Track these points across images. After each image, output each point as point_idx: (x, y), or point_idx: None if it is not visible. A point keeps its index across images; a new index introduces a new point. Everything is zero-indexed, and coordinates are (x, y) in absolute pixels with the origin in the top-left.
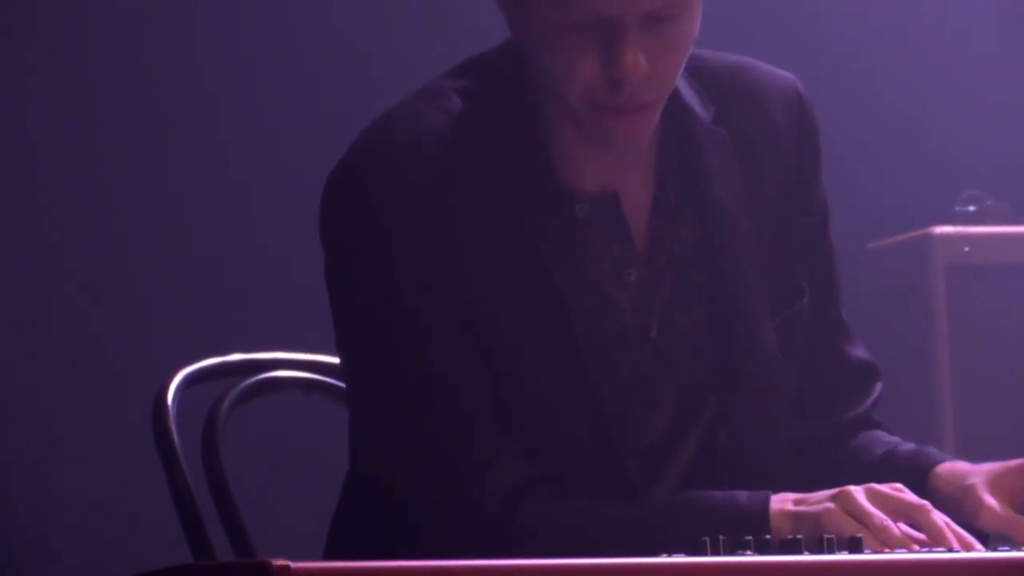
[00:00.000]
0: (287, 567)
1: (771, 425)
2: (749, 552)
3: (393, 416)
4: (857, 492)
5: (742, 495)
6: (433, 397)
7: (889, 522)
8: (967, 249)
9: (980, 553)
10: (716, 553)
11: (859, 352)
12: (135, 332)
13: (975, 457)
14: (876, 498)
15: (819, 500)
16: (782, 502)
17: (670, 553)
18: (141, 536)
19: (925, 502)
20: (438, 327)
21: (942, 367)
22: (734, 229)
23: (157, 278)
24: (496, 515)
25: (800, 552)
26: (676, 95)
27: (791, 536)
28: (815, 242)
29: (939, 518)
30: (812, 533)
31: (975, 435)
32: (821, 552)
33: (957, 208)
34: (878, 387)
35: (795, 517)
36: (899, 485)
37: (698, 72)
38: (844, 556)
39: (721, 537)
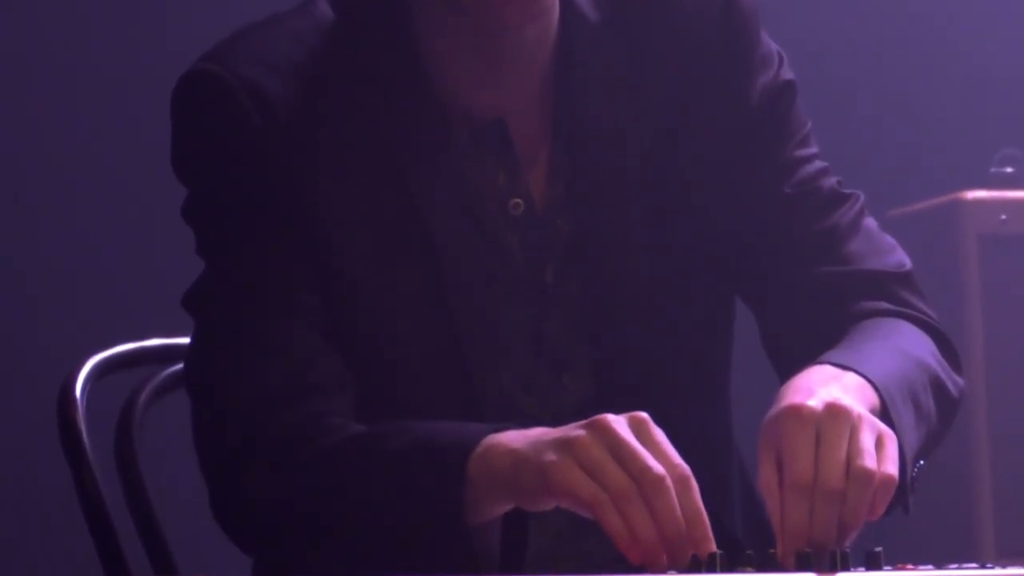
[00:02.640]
0: None
1: (654, 398)
2: (750, 570)
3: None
4: (605, 432)
5: (472, 427)
6: (253, 324)
7: (621, 494)
8: (1003, 217)
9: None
10: (712, 570)
11: (839, 266)
12: (37, 314)
13: (1012, 445)
14: (623, 452)
15: (557, 439)
16: (515, 438)
17: (663, 572)
18: (45, 549)
19: (662, 474)
20: (273, 248)
21: (975, 348)
22: (608, 159)
23: (62, 252)
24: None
25: (809, 569)
26: None
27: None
28: (753, 148)
29: (668, 505)
30: (539, 490)
31: (1012, 423)
32: (834, 570)
33: (992, 170)
34: (864, 306)
35: (514, 458)
36: (660, 436)
37: None
38: (860, 574)
39: (719, 552)
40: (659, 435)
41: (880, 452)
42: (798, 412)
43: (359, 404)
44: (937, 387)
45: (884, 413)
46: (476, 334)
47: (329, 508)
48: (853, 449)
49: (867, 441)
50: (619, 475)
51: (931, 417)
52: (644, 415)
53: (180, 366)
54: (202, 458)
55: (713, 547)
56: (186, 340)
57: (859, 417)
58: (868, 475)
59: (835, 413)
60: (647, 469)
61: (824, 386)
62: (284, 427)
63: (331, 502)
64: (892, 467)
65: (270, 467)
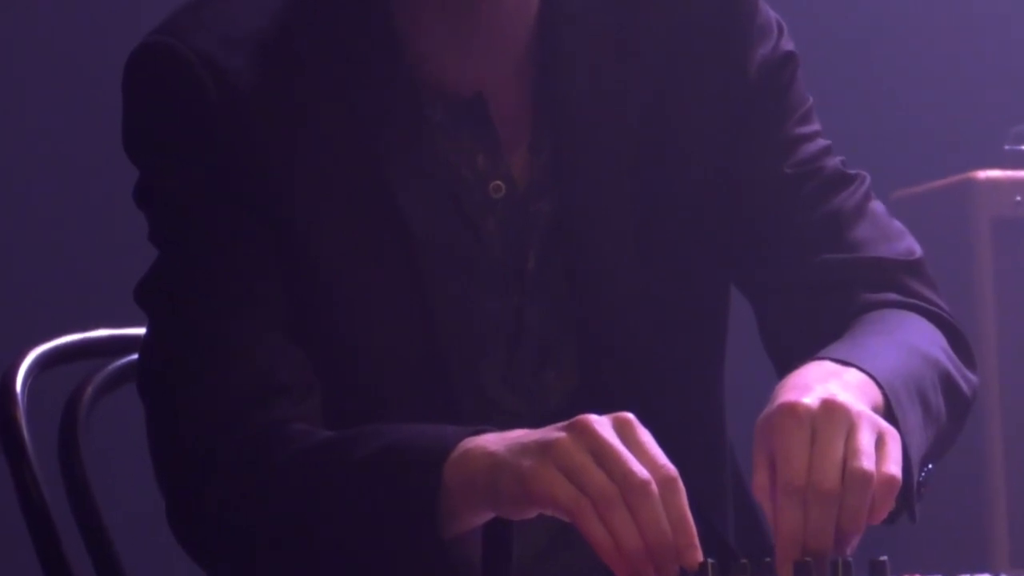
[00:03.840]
0: None
1: (642, 394)
2: None
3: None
4: (586, 433)
5: (447, 430)
6: (212, 321)
7: (604, 500)
8: (1018, 198)
9: None
10: None
11: (843, 253)
12: None
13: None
14: (606, 454)
15: (536, 441)
16: (493, 441)
17: None
18: None
19: (647, 478)
20: (235, 235)
21: (988, 340)
22: (594, 137)
23: (1, 237)
24: (242, 451)
25: None
26: None
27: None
28: (751, 125)
29: (653, 512)
30: (518, 497)
31: None
32: None
33: (1006, 147)
34: (866, 297)
35: (492, 463)
36: (646, 437)
37: None
38: None
39: (711, 562)
40: (644, 436)
41: (881, 452)
42: (792, 410)
43: (328, 404)
44: (948, 385)
45: (888, 412)
46: (453, 326)
47: (295, 521)
48: (850, 449)
49: (865, 440)
50: (601, 479)
51: (941, 417)
52: (629, 415)
53: (129, 359)
54: (158, 467)
55: (699, 556)
56: (136, 331)
57: (858, 415)
58: (865, 476)
59: (831, 411)
60: (630, 473)
61: (822, 383)
62: (247, 434)
63: (297, 515)
64: (894, 468)
65: (232, 478)
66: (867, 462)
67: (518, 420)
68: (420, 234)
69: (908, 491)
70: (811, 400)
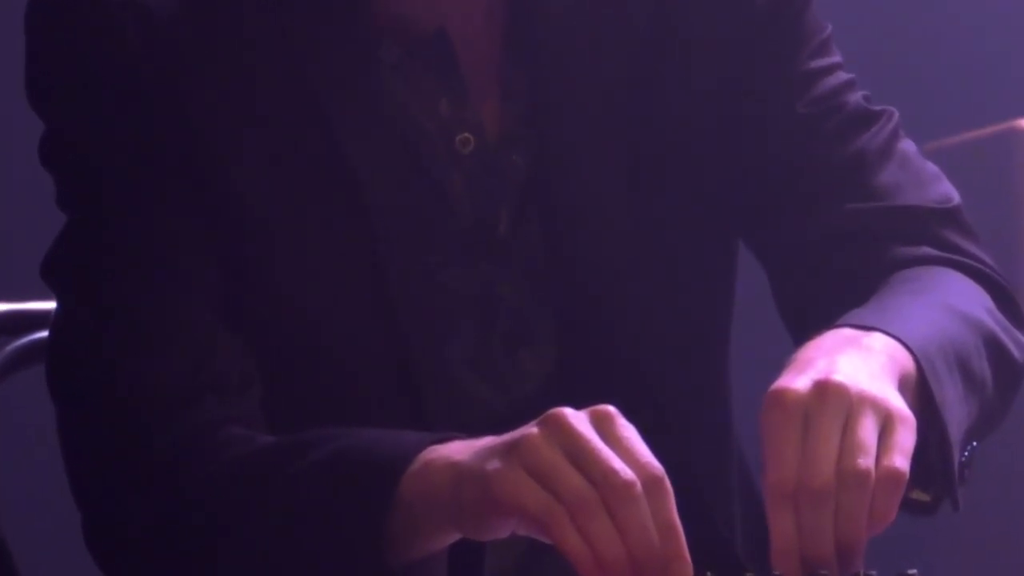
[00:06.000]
0: None
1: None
2: None
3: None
4: (560, 429)
5: (406, 437)
6: (132, 302)
7: (580, 504)
8: None
9: None
10: None
11: (868, 202)
12: None
13: None
14: (583, 452)
15: (504, 442)
16: (459, 450)
17: None
18: None
19: (631, 479)
20: (159, 200)
21: None
22: (575, 76)
23: None
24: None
25: None
26: None
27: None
28: (758, 59)
29: (637, 517)
30: (483, 507)
31: None
32: None
33: None
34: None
35: (455, 473)
36: (629, 432)
37: None
38: None
39: (708, 573)
40: (627, 431)
41: (886, 441)
42: (779, 399)
43: (270, 399)
44: (994, 350)
45: (922, 383)
46: (413, 300)
47: (230, 540)
48: (845, 441)
49: (865, 429)
50: (577, 481)
51: (986, 387)
52: (609, 408)
53: (32, 338)
54: (72, 474)
55: (690, 568)
56: (41, 305)
57: (859, 396)
58: (859, 474)
59: (825, 395)
60: (611, 472)
61: (828, 356)
62: (175, 437)
63: (232, 532)
64: (899, 460)
65: (156, 489)
66: (862, 459)
67: (488, 408)
68: (374, 194)
69: (948, 476)
70: (803, 383)
